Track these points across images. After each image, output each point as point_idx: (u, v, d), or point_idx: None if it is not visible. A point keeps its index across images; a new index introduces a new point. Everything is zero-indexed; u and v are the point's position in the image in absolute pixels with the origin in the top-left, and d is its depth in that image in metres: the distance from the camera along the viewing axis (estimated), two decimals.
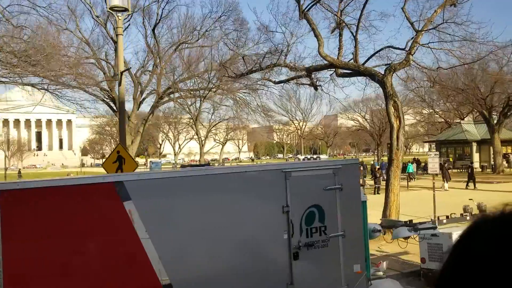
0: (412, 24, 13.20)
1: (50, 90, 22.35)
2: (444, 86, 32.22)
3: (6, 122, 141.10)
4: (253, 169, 5.83)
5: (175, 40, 32.89)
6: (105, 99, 33.24)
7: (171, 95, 31.62)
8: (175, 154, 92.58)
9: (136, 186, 4.85)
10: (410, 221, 8.51)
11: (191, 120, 33.15)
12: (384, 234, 8.45)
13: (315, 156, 44.39)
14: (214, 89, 31.18)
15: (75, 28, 31.85)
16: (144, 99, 34.67)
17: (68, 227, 4.48)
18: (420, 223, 8.47)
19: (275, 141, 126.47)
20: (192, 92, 30.73)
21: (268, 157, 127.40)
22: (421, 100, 48.42)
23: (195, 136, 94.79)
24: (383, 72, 13.13)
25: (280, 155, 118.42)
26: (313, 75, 14.78)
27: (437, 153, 17.50)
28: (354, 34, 13.58)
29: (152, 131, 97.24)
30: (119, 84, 9.85)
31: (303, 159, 44.17)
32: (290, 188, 5.92)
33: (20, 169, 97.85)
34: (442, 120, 51.57)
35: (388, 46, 13.95)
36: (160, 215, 4.97)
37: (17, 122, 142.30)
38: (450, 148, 43.24)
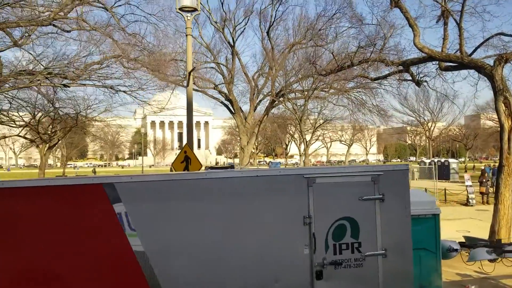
0: None
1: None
2: None
3: (153, 124, 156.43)
4: (268, 173, 5.20)
5: (290, 41, 32.81)
6: (224, 101, 34.60)
7: (284, 96, 31.53)
8: (300, 155, 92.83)
9: (128, 188, 4.61)
10: (499, 240, 6.99)
11: (296, 120, 32.85)
12: (457, 252, 7.05)
13: (443, 160, 40.43)
14: (327, 89, 30.40)
15: (197, 34, 33.71)
16: (260, 101, 35.29)
17: (51, 230, 4.39)
18: (510, 244, 6.92)
19: (407, 143, 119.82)
20: (303, 92, 30.31)
21: (399, 159, 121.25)
22: None
23: (320, 137, 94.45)
24: (492, 64, 11.22)
25: (413, 158, 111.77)
26: (413, 70, 13.28)
27: None
28: (458, 21, 11.83)
29: (279, 132, 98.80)
30: (187, 85, 9.87)
31: (429, 163, 40.71)
32: (314, 196, 5.17)
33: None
34: None
35: (498, 34, 11.88)
36: (155, 222, 4.66)
37: (162, 124, 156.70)
38: None
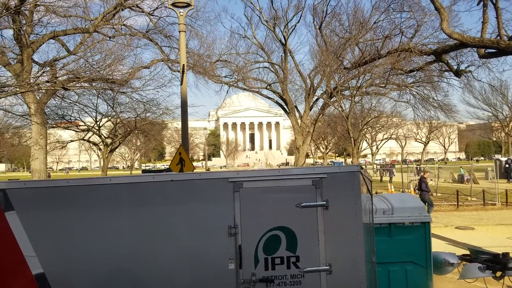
0: None
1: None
2: None
3: (225, 125, 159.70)
4: (186, 178, 4.65)
5: (345, 36, 31.50)
6: (278, 101, 34.09)
7: (337, 95, 30.22)
8: (372, 154, 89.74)
9: (22, 195, 4.31)
10: (505, 254, 5.81)
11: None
12: (454, 266, 5.96)
13: None
14: (383, 84, 28.75)
15: (251, 35, 33.57)
16: (317, 99, 34.22)
17: None
18: None
19: (491, 140, 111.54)
20: (350, 89, 28.98)
21: (482, 157, 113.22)
22: None
23: (393, 136, 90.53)
24: None
25: (498, 156, 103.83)
26: (448, 59, 11.87)
27: None
28: (494, 1, 10.35)
29: (351, 131, 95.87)
30: (181, 83, 9.48)
31: (506, 162, 37.15)
32: (241, 203, 4.55)
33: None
34: None
35: None
36: (52, 230, 4.32)
37: (234, 125, 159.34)
38: None
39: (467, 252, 6.51)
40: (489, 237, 13.31)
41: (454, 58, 14.06)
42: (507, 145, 78.75)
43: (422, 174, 18.85)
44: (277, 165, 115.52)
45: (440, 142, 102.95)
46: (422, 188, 17.08)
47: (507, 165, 35.66)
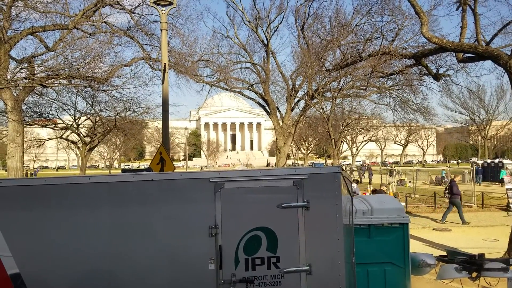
0: None
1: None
2: None
3: (207, 125, 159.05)
4: (166, 177, 4.62)
5: (327, 38, 31.68)
6: (260, 101, 34.11)
7: (318, 97, 30.41)
8: (352, 156, 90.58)
9: None
10: (481, 255, 5.95)
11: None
12: (432, 267, 6.10)
13: (496, 161, 37.32)
14: (364, 87, 29.05)
15: (233, 35, 33.51)
16: (299, 100, 34.36)
17: None
18: (491, 260, 5.86)
19: (468, 143, 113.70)
20: (331, 91, 29.18)
21: (460, 160, 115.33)
22: None
23: (373, 138, 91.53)
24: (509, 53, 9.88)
25: (475, 159, 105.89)
26: (427, 62, 12.07)
27: None
28: (473, 6, 10.57)
29: (332, 133, 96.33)
30: (162, 82, 9.41)
31: (482, 164, 37.97)
32: (222, 203, 4.53)
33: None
34: None
35: None
36: (27, 230, 4.23)
37: (215, 125, 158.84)
38: None
39: (444, 253, 6.62)
40: (465, 239, 13.55)
41: (433, 62, 14.29)
42: (484, 148, 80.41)
43: (452, 177, 18.95)
44: (245, 164, 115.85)
45: (418, 145, 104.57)
46: (453, 191, 17.05)
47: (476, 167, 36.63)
